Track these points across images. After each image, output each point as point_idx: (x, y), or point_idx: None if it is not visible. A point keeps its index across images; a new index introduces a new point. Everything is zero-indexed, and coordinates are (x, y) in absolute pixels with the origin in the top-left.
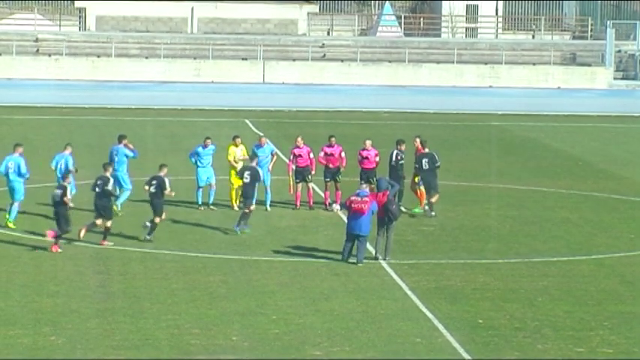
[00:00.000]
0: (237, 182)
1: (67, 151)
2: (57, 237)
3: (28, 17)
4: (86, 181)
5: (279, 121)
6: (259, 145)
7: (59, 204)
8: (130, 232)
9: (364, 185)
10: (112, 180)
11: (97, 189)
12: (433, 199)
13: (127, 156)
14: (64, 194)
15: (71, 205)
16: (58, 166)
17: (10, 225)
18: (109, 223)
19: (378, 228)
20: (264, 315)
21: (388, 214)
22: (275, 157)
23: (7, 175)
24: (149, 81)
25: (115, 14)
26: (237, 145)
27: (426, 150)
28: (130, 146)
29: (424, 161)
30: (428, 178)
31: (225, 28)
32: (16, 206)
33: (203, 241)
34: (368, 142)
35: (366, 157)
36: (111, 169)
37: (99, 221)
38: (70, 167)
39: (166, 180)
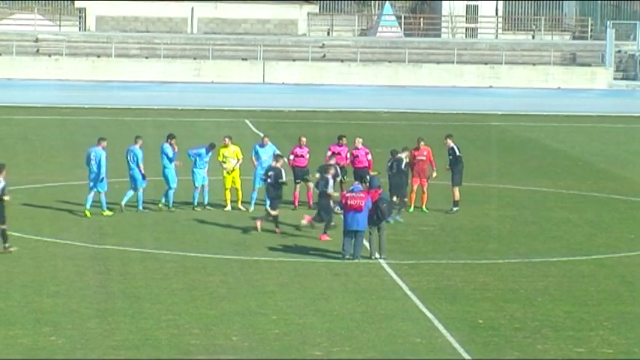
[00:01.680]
0: (228, 183)
1: (138, 145)
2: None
3: (28, 17)
4: (86, 181)
5: (279, 122)
6: (262, 145)
7: (322, 195)
8: (129, 232)
9: (357, 182)
10: (283, 171)
11: (269, 180)
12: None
13: (166, 155)
14: (326, 185)
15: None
16: (129, 158)
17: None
18: (274, 212)
19: (369, 226)
20: (264, 315)
21: (378, 213)
22: None
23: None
24: (149, 81)
25: (115, 14)
26: (226, 147)
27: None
28: (175, 147)
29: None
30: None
31: (225, 29)
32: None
33: (203, 241)
34: (358, 141)
35: (356, 156)
36: (282, 161)
37: (274, 212)
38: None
39: (283, 171)
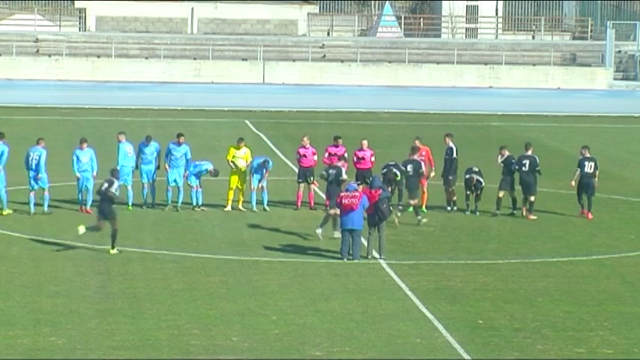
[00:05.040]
0: (234, 183)
1: (40, 145)
2: None
3: (28, 18)
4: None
5: (279, 122)
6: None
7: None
8: (129, 232)
9: (352, 181)
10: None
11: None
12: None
13: (171, 154)
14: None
15: None
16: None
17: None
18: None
19: (369, 226)
20: (264, 315)
21: (378, 213)
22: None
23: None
24: (149, 81)
25: (115, 15)
26: (239, 148)
27: (529, 152)
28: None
29: (526, 162)
30: (530, 180)
31: (225, 29)
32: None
33: (203, 241)
34: (364, 142)
35: (362, 158)
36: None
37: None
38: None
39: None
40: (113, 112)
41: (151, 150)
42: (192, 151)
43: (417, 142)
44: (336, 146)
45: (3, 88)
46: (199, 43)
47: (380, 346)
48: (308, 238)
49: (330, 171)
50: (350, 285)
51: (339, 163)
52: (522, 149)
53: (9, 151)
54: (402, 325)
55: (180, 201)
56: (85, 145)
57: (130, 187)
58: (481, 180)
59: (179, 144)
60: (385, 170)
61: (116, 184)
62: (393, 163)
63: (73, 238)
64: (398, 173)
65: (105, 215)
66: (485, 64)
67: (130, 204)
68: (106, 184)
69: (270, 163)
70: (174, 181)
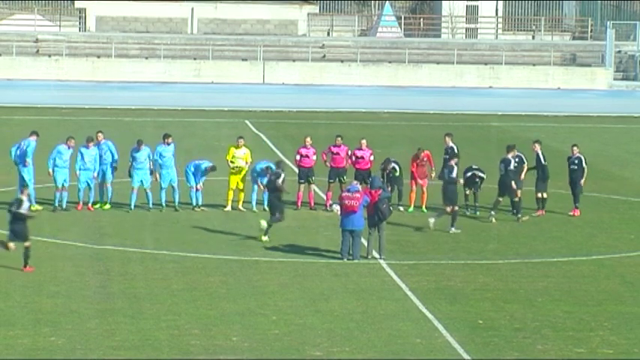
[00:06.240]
0: (233, 183)
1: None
2: None
3: (28, 18)
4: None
5: (279, 122)
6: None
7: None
8: (129, 232)
9: (355, 181)
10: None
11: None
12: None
13: (162, 156)
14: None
15: None
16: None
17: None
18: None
19: (369, 226)
20: (264, 315)
21: (378, 213)
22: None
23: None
24: (149, 81)
25: (115, 15)
26: (238, 147)
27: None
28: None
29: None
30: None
31: (225, 29)
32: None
33: (203, 241)
34: (363, 142)
35: (361, 157)
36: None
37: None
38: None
39: None
40: (113, 112)
41: (144, 155)
42: (191, 152)
43: (420, 151)
44: (338, 145)
45: (3, 88)
46: (199, 43)
47: (380, 346)
48: (308, 238)
49: (445, 170)
50: (350, 285)
51: (452, 162)
52: (522, 148)
53: (35, 146)
54: (402, 325)
55: (177, 200)
56: (91, 144)
57: (109, 186)
58: (482, 175)
59: (168, 144)
60: (383, 165)
61: (282, 175)
62: (394, 159)
63: (73, 238)
64: (397, 167)
65: (279, 210)
66: (486, 64)
67: (109, 202)
68: (277, 178)
69: (274, 169)
70: (170, 181)
